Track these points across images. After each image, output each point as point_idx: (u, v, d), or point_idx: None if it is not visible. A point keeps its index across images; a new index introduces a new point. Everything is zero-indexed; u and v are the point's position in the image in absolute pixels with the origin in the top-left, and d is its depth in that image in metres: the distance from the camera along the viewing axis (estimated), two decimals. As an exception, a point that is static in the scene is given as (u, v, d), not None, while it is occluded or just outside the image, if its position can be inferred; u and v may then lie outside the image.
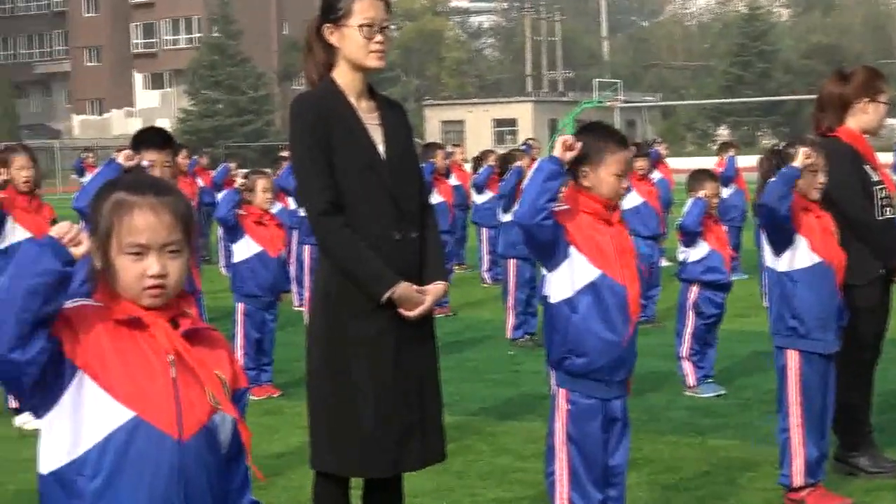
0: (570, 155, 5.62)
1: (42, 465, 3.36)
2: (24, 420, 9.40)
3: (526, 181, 5.75)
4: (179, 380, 3.36)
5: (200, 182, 20.94)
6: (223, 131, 77.60)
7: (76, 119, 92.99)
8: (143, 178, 3.62)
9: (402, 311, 5.44)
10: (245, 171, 14.68)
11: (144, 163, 7.16)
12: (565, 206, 5.74)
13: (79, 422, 3.30)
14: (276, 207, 12.29)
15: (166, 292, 3.37)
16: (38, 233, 2.88)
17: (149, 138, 7.41)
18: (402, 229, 5.53)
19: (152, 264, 3.34)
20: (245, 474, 3.55)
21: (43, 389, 3.28)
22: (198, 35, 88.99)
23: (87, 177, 18.44)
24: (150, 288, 3.34)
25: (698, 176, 10.71)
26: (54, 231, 3.24)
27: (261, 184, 10.96)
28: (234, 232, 10.91)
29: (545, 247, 5.68)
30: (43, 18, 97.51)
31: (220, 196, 13.34)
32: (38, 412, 3.34)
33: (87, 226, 3.45)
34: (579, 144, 5.65)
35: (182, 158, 18.08)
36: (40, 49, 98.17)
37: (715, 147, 32.15)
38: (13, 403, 9.67)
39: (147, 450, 3.31)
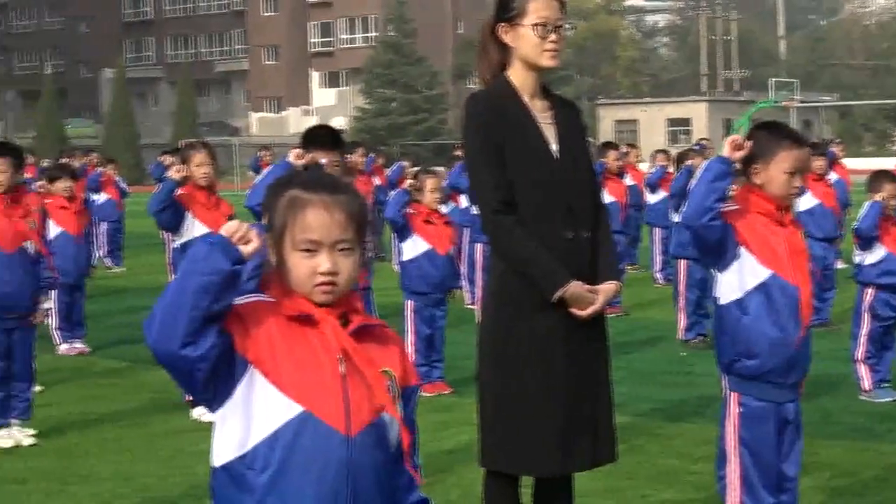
0: (738, 154, 5.56)
1: (214, 459, 3.42)
2: (201, 413, 9.60)
3: (693, 182, 5.70)
4: (348, 376, 3.38)
5: (377, 181, 21.15)
6: (397, 130, 78.22)
7: (254, 117, 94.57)
8: (318, 175, 3.65)
9: (573, 310, 5.43)
10: (414, 169, 14.79)
11: (323, 160, 7.23)
12: (735, 206, 5.67)
13: (249, 416, 3.35)
14: (447, 207, 12.36)
15: (337, 289, 3.39)
16: (217, 229, 2.99)
17: (318, 138, 7.49)
18: (575, 228, 5.52)
19: (324, 261, 3.36)
20: (413, 471, 3.56)
21: (215, 384, 3.33)
22: (374, 34, 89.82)
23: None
24: (320, 285, 3.37)
25: (878, 177, 10.50)
26: (224, 230, 3.29)
27: (430, 183, 11.04)
28: (403, 231, 11.01)
29: (713, 247, 5.62)
30: (223, 18, 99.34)
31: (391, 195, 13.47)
32: (212, 406, 3.40)
33: (258, 223, 3.51)
34: (748, 144, 5.58)
35: (359, 157, 18.27)
36: (220, 48, 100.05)
37: (895, 147, 31.41)
38: (189, 396, 9.88)
39: (315, 445, 3.33)
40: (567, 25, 5.70)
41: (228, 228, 3.29)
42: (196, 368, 3.27)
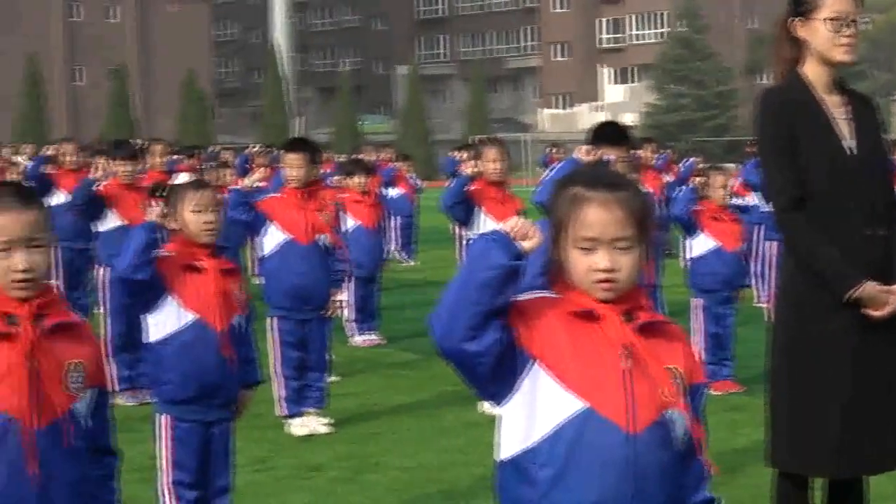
0: None
1: (501, 452, 3.47)
2: (489, 407, 9.72)
3: None
4: (632, 373, 3.38)
5: (668, 177, 21.00)
6: (687, 126, 77.46)
7: (544, 113, 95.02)
8: (601, 172, 3.68)
9: (867, 310, 5.31)
10: (703, 166, 14.65)
11: (610, 157, 7.25)
12: None
13: (532, 411, 3.38)
14: (739, 201, 12.20)
15: (617, 286, 3.39)
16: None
17: (606, 134, 7.50)
18: (872, 226, 5.39)
19: (601, 259, 3.37)
20: (700, 470, 3.52)
21: (499, 379, 3.38)
22: (664, 29, 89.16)
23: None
24: (600, 282, 3.37)
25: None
26: (505, 226, 3.33)
27: (718, 180, 10.94)
28: (690, 228, 10.93)
29: None
30: (514, 14, 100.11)
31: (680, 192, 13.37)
32: (497, 400, 3.45)
33: (545, 220, 3.54)
34: None
35: (649, 152, 18.19)
36: (512, 45, 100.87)
37: None
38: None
39: (598, 441, 3.34)
40: (863, 19, 5.56)
41: (509, 224, 3.33)
42: (478, 363, 3.32)
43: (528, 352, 3.37)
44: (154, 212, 6.54)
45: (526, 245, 3.31)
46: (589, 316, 3.40)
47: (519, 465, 3.41)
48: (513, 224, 3.33)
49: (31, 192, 4.06)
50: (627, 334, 3.39)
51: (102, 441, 4.07)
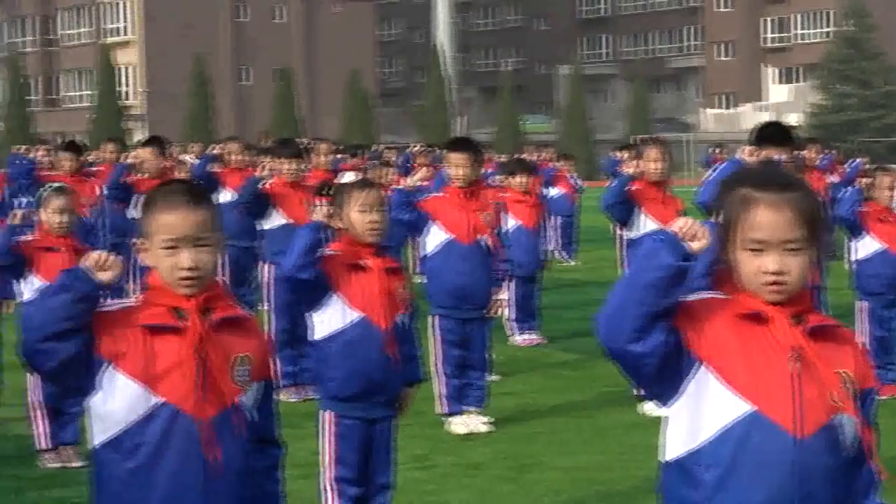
0: None
1: (665, 453, 3.46)
2: (650, 408, 9.67)
3: None
4: (800, 376, 3.34)
5: (833, 178, 20.65)
6: (853, 126, 75.96)
7: (706, 113, 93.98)
8: (770, 173, 3.62)
9: None
10: (869, 167, 14.37)
11: (775, 157, 7.17)
12: None
13: (698, 412, 3.36)
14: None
15: (787, 288, 3.35)
16: (667, 224, 3.05)
17: (770, 134, 7.42)
18: None
19: (771, 262, 3.34)
20: (871, 475, 3.47)
21: (665, 379, 3.37)
22: (830, 29, 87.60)
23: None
24: (769, 284, 3.34)
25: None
26: (674, 226, 3.33)
27: (885, 181, 10.74)
28: (855, 230, 10.74)
29: None
30: (677, 14, 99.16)
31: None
32: (662, 401, 3.44)
33: (709, 220, 3.52)
34: None
35: (813, 153, 17.92)
36: (674, 44, 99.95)
37: None
38: (640, 390, 9.97)
39: (764, 445, 3.32)
40: None
41: (677, 224, 3.32)
42: (643, 364, 3.32)
43: (694, 354, 3.35)
44: (320, 211, 6.62)
45: (694, 246, 3.30)
46: (757, 318, 3.37)
47: (684, 467, 3.40)
48: (681, 224, 3.32)
49: (201, 191, 4.13)
50: (796, 337, 3.35)
51: (268, 433, 4.14)
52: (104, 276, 3.84)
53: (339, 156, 18.71)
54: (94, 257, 3.86)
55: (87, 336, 3.81)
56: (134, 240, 4.07)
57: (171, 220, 3.91)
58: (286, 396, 10.39)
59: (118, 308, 3.93)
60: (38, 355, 3.82)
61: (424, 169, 12.50)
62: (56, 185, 9.05)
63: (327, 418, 6.47)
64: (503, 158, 25.33)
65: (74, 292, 3.77)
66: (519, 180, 13.95)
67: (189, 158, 23.97)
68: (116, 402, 3.86)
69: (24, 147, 22.82)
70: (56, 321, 3.76)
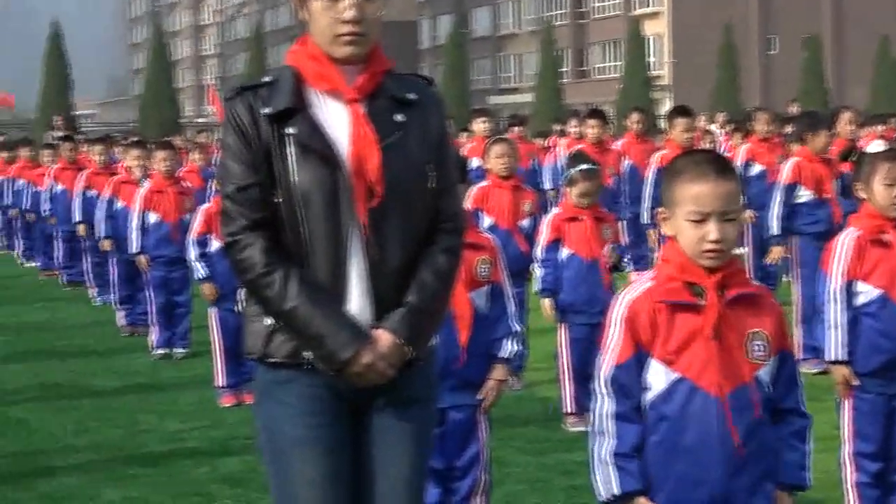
0: None
1: None
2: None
3: None
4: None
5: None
6: None
7: None
8: None
9: None
10: None
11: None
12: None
13: None
14: None
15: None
16: None
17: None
18: None
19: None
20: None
21: None
22: None
23: None
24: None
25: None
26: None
27: None
28: None
29: None
30: None
31: None
32: None
33: None
34: None
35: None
36: None
37: None
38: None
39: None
40: None
41: None
42: None
43: None
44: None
45: None
46: None
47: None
48: None
49: (728, 162, 4.15)
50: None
51: (789, 402, 4.14)
52: None
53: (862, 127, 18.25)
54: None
55: None
56: (656, 209, 4.18)
57: (700, 191, 3.96)
58: (807, 368, 10.29)
59: (641, 291, 4.06)
60: None
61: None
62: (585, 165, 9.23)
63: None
64: None
65: None
66: None
67: (715, 129, 24.06)
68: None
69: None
70: None
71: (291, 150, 4.06)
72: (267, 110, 4.08)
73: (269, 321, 4.12)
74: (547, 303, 9.16)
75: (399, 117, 4.16)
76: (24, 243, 21.73)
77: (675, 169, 4.09)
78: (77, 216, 15.72)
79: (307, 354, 4.07)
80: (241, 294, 4.24)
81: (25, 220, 20.87)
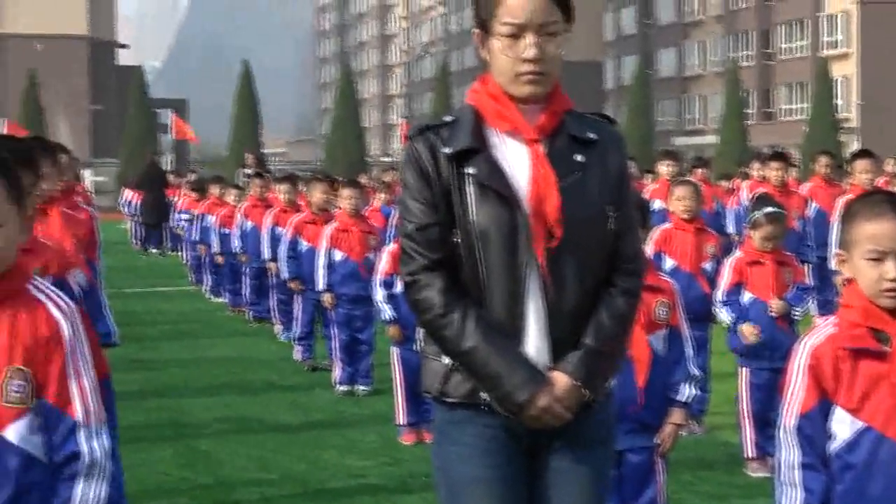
0: None
1: None
2: None
3: None
4: None
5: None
6: None
7: None
8: None
9: None
10: None
11: None
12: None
13: None
14: None
15: None
16: None
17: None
18: None
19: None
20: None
21: None
22: None
23: None
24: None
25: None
26: None
27: None
28: None
29: None
30: None
31: None
32: None
33: None
34: None
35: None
36: None
37: None
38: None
39: None
40: None
41: None
42: None
43: None
44: None
45: None
46: None
47: None
48: None
49: None
50: None
51: None
52: None
53: None
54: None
55: None
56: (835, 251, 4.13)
57: (877, 230, 3.91)
58: None
59: (825, 337, 3.98)
60: None
61: None
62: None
63: None
64: None
65: None
66: None
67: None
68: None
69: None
70: None
71: (471, 190, 4.11)
72: (447, 150, 4.13)
73: (446, 360, 4.17)
74: (746, 328, 8.99)
75: (579, 157, 4.18)
76: (212, 279, 22.17)
77: (851, 210, 4.05)
78: (267, 254, 16.02)
79: (484, 395, 4.12)
80: (420, 333, 4.31)
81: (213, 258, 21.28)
